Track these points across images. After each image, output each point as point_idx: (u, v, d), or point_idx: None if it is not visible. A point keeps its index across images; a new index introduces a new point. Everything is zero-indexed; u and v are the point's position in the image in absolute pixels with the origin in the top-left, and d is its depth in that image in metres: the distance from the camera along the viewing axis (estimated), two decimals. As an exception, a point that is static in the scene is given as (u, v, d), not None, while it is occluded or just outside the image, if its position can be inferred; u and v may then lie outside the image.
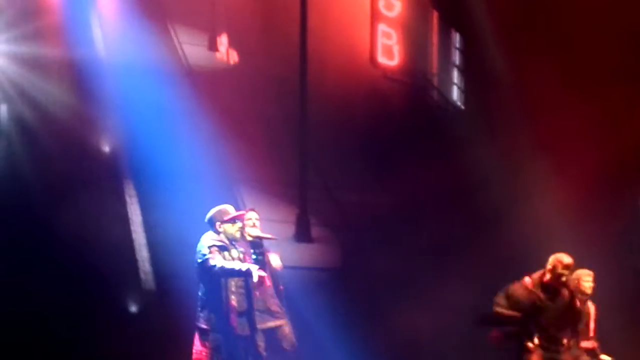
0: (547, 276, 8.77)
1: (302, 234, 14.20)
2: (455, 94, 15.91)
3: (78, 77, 17.97)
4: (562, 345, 8.73)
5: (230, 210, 9.57)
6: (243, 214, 9.73)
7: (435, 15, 16.15)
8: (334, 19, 18.04)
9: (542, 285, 8.76)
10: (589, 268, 9.12)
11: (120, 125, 16.84)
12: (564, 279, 8.73)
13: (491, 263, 11.94)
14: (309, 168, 14.51)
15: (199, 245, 9.28)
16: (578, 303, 8.81)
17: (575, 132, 12.15)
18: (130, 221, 13.44)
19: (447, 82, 16.08)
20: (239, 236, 9.46)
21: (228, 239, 9.32)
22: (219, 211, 9.50)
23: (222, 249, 9.30)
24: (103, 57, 20.07)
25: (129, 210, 13.73)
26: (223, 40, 21.48)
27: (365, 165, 16.22)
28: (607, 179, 12.05)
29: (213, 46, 22.03)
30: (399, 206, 14.91)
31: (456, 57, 15.84)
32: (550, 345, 8.77)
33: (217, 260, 9.06)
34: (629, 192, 12.13)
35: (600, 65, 12.12)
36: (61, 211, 13.18)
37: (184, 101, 18.90)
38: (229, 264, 9.10)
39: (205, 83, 20.38)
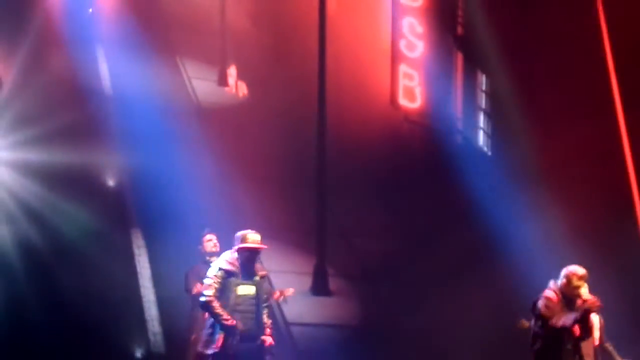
0: (564, 286, 8.76)
1: (320, 287, 13.34)
2: (481, 138, 15.08)
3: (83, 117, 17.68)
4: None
5: (251, 238, 9.20)
6: (259, 249, 9.18)
7: (459, 56, 15.35)
8: (353, 57, 17.44)
9: (561, 297, 8.76)
10: (593, 291, 8.99)
11: (126, 167, 16.33)
12: (580, 290, 8.75)
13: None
14: (327, 214, 13.93)
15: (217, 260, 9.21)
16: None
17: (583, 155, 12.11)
18: (139, 275, 12.71)
19: (473, 126, 15.22)
20: (249, 269, 9.02)
21: (240, 265, 9.08)
22: (241, 235, 9.27)
23: (229, 274, 9.06)
24: (109, 94, 20.17)
25: (137, 263, 13.04)
26: (232, 72, 20.96)
27: (384, 212, 15.52)
28: (608, 203, 11.95)
29: (223, 81, 21.39)
30: (420, 256, 14.32)
31: (482, 100, 14.98)
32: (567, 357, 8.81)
33: (211, 294, 8.90)
34: (630, 215, 11.92)
35: (603, 91, 11.96)
36: (66, 264, 12.45)
37: (193, 141, 18.63)
38: (219, 310, 8.91)
39: (215, 121, 19.90)
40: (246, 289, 9.15)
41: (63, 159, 14.56)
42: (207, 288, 9.12)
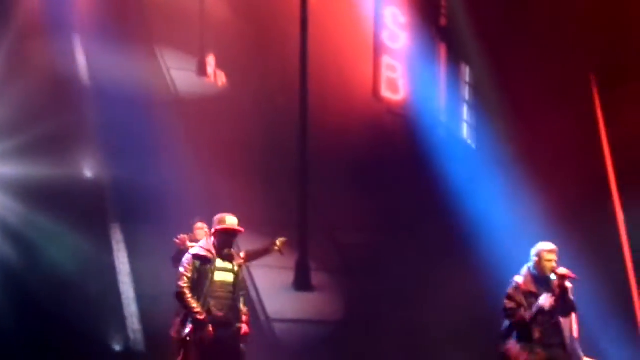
0: (536, 268, 8.74)
1: (302, 282, 13.20)
2: (465, 131, 14.99)
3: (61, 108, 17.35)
4: (562, 338, 8.71)
5: (229, 221, 9.09)
6: (238, 230, 9.07)
7: (443, 47, 15.21)
8: (334, 48, 17.13)
9: (534, 278, 8.73)
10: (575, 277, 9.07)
11: (104, 159, 15.98)
12: (553, 264, 8.74)
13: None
14: (309, 207, 13.73)
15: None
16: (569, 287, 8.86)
17: (560, 144, 12.12)
18: (118, 270, 12.44)
19: (456, 118, 15.15)
20: (226, 252, 8.96)
21: (216, 250, 8.96)
22: (217, 217, 9.14)
23: (203, 261, 8.92)
24: (87, 85, 19.78)
25: (115, 258, 12.76)
26: (210, 61, 20.70)
27: (366, 204, 15.33)
28: (588, 191, 11.95)
29: (202, 71, 21.04)
30: (402, 249, 14.19)
31: (466, 92, 14.89)
32: (550, 338, 8.72)
33: (183, 285, 8.77)
34: (609, 204, 11.90)
35: (579, 76, 11.96)
36: (40, 259, 12.26)
37: (173, 132, 18.33)
38: (191, 301, 8.78)
39: (194, 111, 19.59)
40: (223, 275, 9.05)
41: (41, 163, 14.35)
42: (180, 277, 8.99)
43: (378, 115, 15.84)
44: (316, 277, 13.56)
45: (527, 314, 8.59)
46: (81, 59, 19.88)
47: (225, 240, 9.02)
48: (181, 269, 9.05)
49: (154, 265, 11.42)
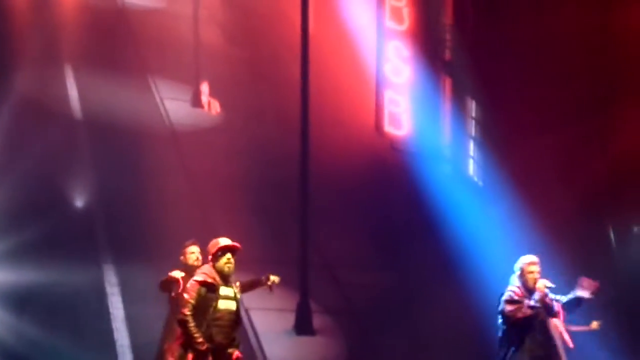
0: (523, 278, 9.21)
1: (303, 325, 12.62)
2: (471, 167, 14.54)
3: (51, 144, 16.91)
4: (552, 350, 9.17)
5: (223, 241, 9.05)
6: (234, 246, 8.99)
7: (448, 81, 14.80)
8: (335, 81, 16.88)
9: (524, 288, 9.20)
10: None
11: (96, 195, 15.30)
12: (536, 275, 9.22)
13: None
14: (310, 245, 13.30)
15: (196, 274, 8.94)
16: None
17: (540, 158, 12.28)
18: (112, 316, 11.82)
19: (461, 154, 14.71)
20: (227, 271, 8.87)
21: (219, 276, 8.86)
22: (211, 243, 9.08)
23: (209, 289, 8.76)
24: (79, 118, 19.15)
25: (109, 302, 12.15)
26: (204, 89, 20.32)
27: (368, 242, 14.89)
28: (574, 205, 11.97)
29: (197, 101, 20.56)
30: (405, 286, 13.79)
31: (472, 128, 14.48)
32: (539, 347, 9.18)
33: (188, 313, 8.62)
34: (600, 219, 12.00)
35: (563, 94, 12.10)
36: (33, 304, 11.71)
37: (167, 165, 17.79)
38: (194, 331, 8.62)
39: (190, 144, 19.08)
40: (227, 304, 8.92)
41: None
42: (185, 305, 8.84)
43: (381, 150, 15.46)
44: (318, 320, 13.04)
45: (528, 309, 8.93)
46: (73, 91, 19.38)
47: (226, 260, 8.89)
48: (186, 296, 8.90)
49: (149, 310, 10.97)
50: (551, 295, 9.22)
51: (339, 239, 15.06)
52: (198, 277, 8.95)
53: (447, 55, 14.53)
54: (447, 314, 12.30)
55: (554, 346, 9.18)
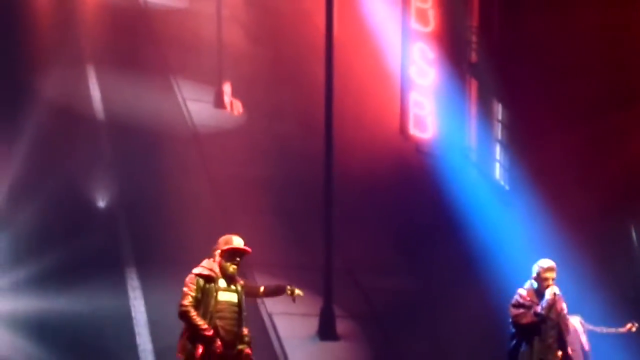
0: (535, 284, 9.34)
1: (327, 330, 12.44)
2: (498, 171, 14.25)
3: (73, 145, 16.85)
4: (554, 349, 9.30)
5: (236, 241, 9.00)
6: (245, 250, 8.93)
7: (474, 84, 14.58)
8: (359, 83, 16.75)
9: (535, 292, 9.32)
10: (579, 295, 9.81)
11: (119, 197, 15.16)
12: (550, 282, 9.33)
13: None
14: (334, 250, 13.14)
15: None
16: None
17: (566, 160, 12.24)
18: (134, 321, 11.71)
19: (488, 158, 14.42)
20: (231, 272, 8.85)
21: (221, 271, 8.86)
22: (224, 238, 9.08)
23: (207, 280, 8.79)
24: (102, 119, 18.73)
25: (132, 306, 12.02)
26: (227, 90, 20.20)
27: (393, 247, 14.64)
28: (597, 207, 11.84)
29: (220, 102, 20.42)
30: (428, 290, 13.62)
31: (498, 131, 14.19)
32: (545, 350, 9.32)
33: (187, 303, 8.66)
34: (618, 219, 11.88)
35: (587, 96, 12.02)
36: (56, 307, 11.67)
37: (190, 167, 17.66)
38: (197, 319, 8.64)
39: (213, 146, 18.87)
40: (228, 296, 8.94)
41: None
42: (184, 297, 8.83)
43: (405, 154, 15.24)
44: (341, 325, 12.88)
45: (534, 316, 9.04)
46: (96, 93, 19.26)
47: (232, 261, 8.88)
48: (185, 289, 8.88)
49: (172, 314, 10.82)
50: (565, 308, 9.16)
51: (362, 242, 14.86)
52: (196, 269, 8.94)
53: (473, 57, 14.31)
54: (470, 318, 12.12)
55: (566, 350, 9.22)
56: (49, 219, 13.55)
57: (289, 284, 9.21)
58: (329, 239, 12.95)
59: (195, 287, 8.85)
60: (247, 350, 8.96)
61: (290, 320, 12.76)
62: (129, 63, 21.05)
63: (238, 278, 9.07)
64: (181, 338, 8.81)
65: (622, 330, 9.66)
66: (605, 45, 12.24)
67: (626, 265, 11.81)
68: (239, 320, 8.90)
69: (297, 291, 9.17)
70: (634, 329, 9.56)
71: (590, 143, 12.24)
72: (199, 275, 8.87)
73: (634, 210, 11.88)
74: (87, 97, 19.10)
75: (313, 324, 12.72)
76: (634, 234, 11.75)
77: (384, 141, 15.62)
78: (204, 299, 8.83)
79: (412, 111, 14.87)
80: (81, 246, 13.17)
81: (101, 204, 15.24)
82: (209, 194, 15.88)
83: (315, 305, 12.90)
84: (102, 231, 13.98)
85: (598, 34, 12.26)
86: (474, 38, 14.15)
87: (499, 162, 14.00)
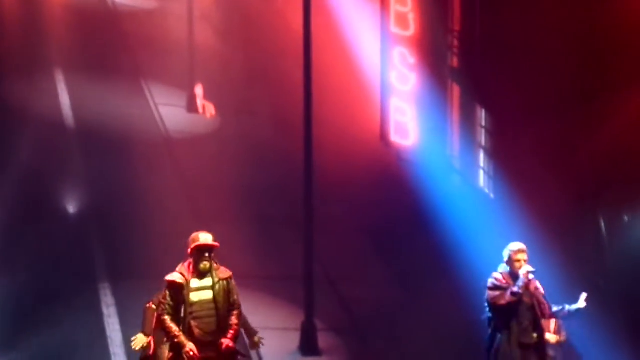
0: (508, 268, 9.43)
1: (309, 345, 11.98)
2: (482, 179, 14.03)
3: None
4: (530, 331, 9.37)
5: (202, 238, 9.04)
6: (212, 245, 9.00)
7: (456, 89, 14.31)
8: (338, 88, 16.31)
9: (509, 275, 9.39)
10: (552, 285, 9.76)
11: (90, 209, 14.67)
12: (522, 263, 9.40)
13: None
14: (314, 261, 12.77)
15: None
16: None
17: (535, 151, 12.27)
18: (109, 340, 11.20)
19: (471, 165, 14.19)
20: (202, 268, 8.91)
21: (194, 270, 8.92)
22: (191, 237, 9.11)
23: (176, 289, 8.75)
24: (71, 126, 18.25)
25: (106, 325, 11.55)
26: (199, 92, 19.79)
27: (374, 256, 14.30)
28: (566, 199, 11.86)
29: (192, 107, 20.10)
30: (410, 301, 13.34)
31: (482, 137, 13.97)
32: (522, 333, 9.37)
33: (163, 311, 8.77)
34: (588, 210, 11.83)
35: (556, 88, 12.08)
36: (26, 326, 11.14)
37: (164, 175, 17.11)
38: (170, 325, 8.75)
39: (187, 152, 18.36)
40: (201, 295, 8.96)
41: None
42: (159, 305, 8.97)
43: (386, 161, 14.97)
44: (323, 339, 12.44)
45: (511, 296, 9.11)
46: (64, 98, 18.83)
47: (201, 258, 8.93)
48: (160, 297, 9.03)
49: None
50: (540, 287, 9.34)
51: (343, 251, 14.47)
52: (168, 276, 8.99)
53: (455, 62, 14.05)
54: (453, 328, 11.76)
55: (542, 333, 9.33)
56: (15, 232, 13.11)
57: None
58: (309, 249, 12.50)
59: (167, 294, 8.88)
60: (227, 343, 8.87)
61: (270, 335, 12.19)
62: (98, 67, 20.64)
63: (221, 270, 9.07)
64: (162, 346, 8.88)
65: (581, 304, 9.55)
66: (569, 36, 12.00)
67: (595, 254, 11.78)
68: (217, 317, 8.86)
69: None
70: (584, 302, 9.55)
71: (553, 133, 12.06)
72: (168, 285, 8.90)
73: (602, 200, 11.80)
74: (56, 103, 18.80)
75: (294, 338, 12.30)
76: (602, 224, 11.69)
77: (364, 148, 15.30)
78: (177, 306, 8.81)
79: (393, 117, 14.61)
80: (51, 260, 12.77)
81: (71, 215, 14.81)
82: (184, 203, 15.44)
83: (295, 319, 12.50)
84: (73, 244, 13.50)
85: (573, 30, 12.06)
86: (455, 42, 13.90)
87: (483, 169, 13.76)
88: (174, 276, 8.89)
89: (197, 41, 19.77)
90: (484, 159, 13.70)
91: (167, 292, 8.86)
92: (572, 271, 11.47)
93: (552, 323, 10.08)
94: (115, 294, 12.20)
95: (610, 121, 11.59)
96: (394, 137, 14.53)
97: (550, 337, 10.06)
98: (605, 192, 11.65)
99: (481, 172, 13.79)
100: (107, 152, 16.52)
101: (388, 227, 14.43)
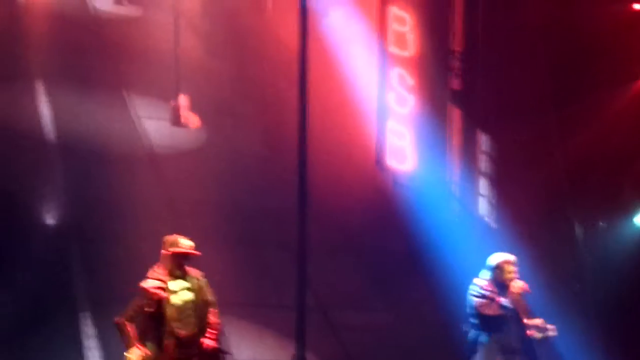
0: (497, 275, 9.37)
1: (301, 380, 11.95)
2: (483, 207, 13.62)
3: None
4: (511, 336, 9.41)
5: (184, 242, 9.14)
6: (194, 254, 9.14)
7: (457, 113, 13.85)
8: (332, 111, 15.79)
9: (494, 283, 9.39)
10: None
11: (70, 229, 14.00)
12: (514, 275, 9.41)
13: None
14: (307, 289, 12.27)
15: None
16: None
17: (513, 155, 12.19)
18: (90, 377, 10.82)
19: (471, 192, 13.74)
20: (178, 274, 9.05)
21: (169, 273, 9.07)
22: (169, 240, 9.20)
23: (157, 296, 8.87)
24: (52, 139, 17.53)
25: (86, 358, 10.86)
26: (182, 102, 19.24)
27: (369, 285, 13.83)
28: (542, 203, 11.86)
29: (177, 120, 19.60)
30: (404, 329, 12.92)
31: (483, 163, 13.54)
32: (507, 339, 9.41)
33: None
34: (563, 215, 11.88)
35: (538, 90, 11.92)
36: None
37: (148, 193, 16.66)
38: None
39: (171, 168, 17.93)
40: (180, 296, 9.03)
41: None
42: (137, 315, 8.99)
43: (382, 186, 14.58)
44: (315, 373, 12.20)
45: (499, 308, 9.13)
46: (44, 110, 18.00)
47: (179, 263, 9.06)
48: (135, 307, 9.04)
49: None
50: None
51: (335, 278, 14.01)
52: (147, 284, 9.02)
53: (456, 84, 13.60)
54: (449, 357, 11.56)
55: (525, 339, 9.36)
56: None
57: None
58: (302, 278, 11.97)
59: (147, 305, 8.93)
60: (208, 343, 8.99)
61: (260, 368, 11.94)
62: (79, 77, 19.98)
63: (191, 269, 9.16)
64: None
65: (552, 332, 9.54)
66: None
67: (571, 260, 11.81)
68: (196, 317, 8.98)
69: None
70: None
71: (526, 139, 12.07)
72: (149, 294, 8.86)
73: (577, 206, 11.84)
74: (36, 115, 18.08)
75: (285, 372, 12.07)
76: (576, 229, 11.72)
77: (359, 172, 14.89)
78: (161, 309, 8.85)
79: (390, 141, 14.19)
80: (26, 284, 12.03)
81: (50, 234, 14.20)
82: (168, 222, 14.88)
83: (286, 351, 12.10)
84: (51, 267, 12.77)
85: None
86: (456, 64, 13.43)
87: (484, 196, 13.37)
88: (153, 283, 8.87)
89: (183, 51, 19.26)
90: (486, 186, 13.34)
91: (146, 301, 8.79)
92: (547, 276, 11.37)
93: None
94: (96, 324, 11.51)
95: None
96: (390, 162, 14.13)
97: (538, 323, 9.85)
98: (580, 197, 11.61)
99: (482, 200, 13.41)
100: (88, 167, 15.89)
101: (383, 254, 13.98)
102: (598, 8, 11.46)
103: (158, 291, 8.65)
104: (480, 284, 9.32)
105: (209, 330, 8.98)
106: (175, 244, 9.02)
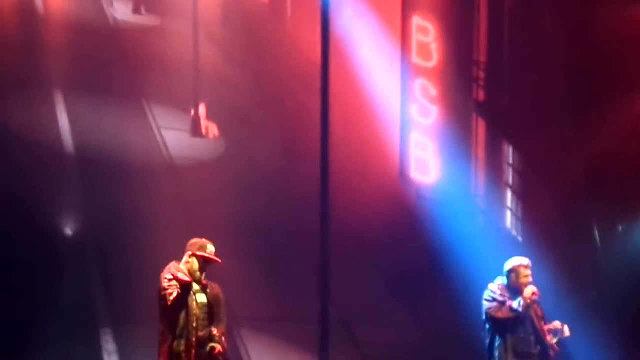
0: (512, 279, 9.36)
1: (324, 397, 11.73)
2: (509, 220, 13.40)
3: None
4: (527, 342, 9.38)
5: (210, 248, 9.27)
6: (218, 261, 9.16)
7: (481, 124, 13.69)
8: (355, 122, 15.68)
9: (507, 288, 9.37)
10: (545, 296, 9.70)
11: (89, 243, 13.80)
12: (529, 279, 9.38)
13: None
14: (330, 304, 12.09)
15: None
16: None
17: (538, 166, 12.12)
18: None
19: (497, 204, 13.55)
20: (198, 277, 9.08)
21: (190, 273, 9.13)
22: (197, 242, 9.31)
23: (185, 286, 8.87)
24: (70, 151, 17.35)
25: (108, 376, 10.95)
26: (202, 112, 19.07)
27: (389, 296, 13.73)
28: (564, 211, 11.72)
29: (197, 131, 19.48)
30: (429, 344, 12.70)
31: (509, 176, 13.34)
32: (522, 344, 9.40)
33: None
34: (584, 221, 11.66)
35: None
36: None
37: (167, 204, 16.50)
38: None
39: (191, 179, 17.74)
40: (200, 297, 9.16)
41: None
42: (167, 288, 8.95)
43: (405, 198, 14.34)
44: (338, 389, 11.97)
45: (509, 311, 9.12)
46: (63, 120, 18.11)
47: (201, 268, 9.15)
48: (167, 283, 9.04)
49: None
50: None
51: (358, 291, 13.81)
52: (170, 275, 9.01)
53: (480, 95, 13.44)
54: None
55: (540, 345, 9.31)
56: (7, 265, 12.33)
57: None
58: (325, 293, 11.77)
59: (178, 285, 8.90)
60: (219, 349, 9.04)
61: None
62: (98, 87, 19.93)
63: (209, 284, 9.28)
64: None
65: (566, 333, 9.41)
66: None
67: (590, 265, 11.69)
68: (209, 320, 9.05)
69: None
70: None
71: (545, 143, 11.94)
72: (180, 280, 8.87)
73: (596, 210, 11.69)
74: (55, 126, 18.06)
75: (308, 388, 11.86)
76: (596, 233, 11.56)
77: (381, 184, 14.67)
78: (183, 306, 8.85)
79: (413, 153, 13.95)
80: (46, 300, 11.91)
81: (70, 247, 14.09)
82: (189, 235, 14.83)
83: (309, 366, 12.06)
84: (71, 281, 12.62)
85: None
86: (480, 74, 13.26)
87: (510, 209, 13.13)
88: (184, 276, 8.86)
89: (202, 61, 19.14)
90: (511, 198, 13.10)
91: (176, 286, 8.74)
92: (566, 282, 11.28)
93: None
94: (117, 340, 11.36)
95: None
96: (414, 174, 13.91)
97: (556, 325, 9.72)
98: (599, 201, 11.47)
99: (508, 213, 13.17)
100: (107, 179, 15.81)
101: (406, 268, 13.74)
102: (616, 14, 11.26)
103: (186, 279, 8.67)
104: (492, 288, 9.30)
105: (216, 335, 8.94)
106: (203, 248, 9.05)
